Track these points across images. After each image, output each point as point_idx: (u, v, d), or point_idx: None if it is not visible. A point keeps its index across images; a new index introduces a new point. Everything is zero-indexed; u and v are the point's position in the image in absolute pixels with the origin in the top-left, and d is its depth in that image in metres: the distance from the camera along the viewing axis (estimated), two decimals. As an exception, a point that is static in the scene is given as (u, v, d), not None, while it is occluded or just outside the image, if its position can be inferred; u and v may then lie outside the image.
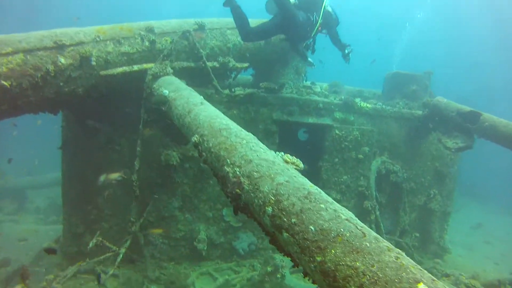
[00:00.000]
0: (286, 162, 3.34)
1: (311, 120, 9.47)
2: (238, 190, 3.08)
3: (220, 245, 9.33)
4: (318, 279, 2.10)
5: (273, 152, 3.55)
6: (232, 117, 9.26)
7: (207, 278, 9.09)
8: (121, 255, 8.12)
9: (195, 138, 4.24)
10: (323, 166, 9.62)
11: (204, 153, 4.08)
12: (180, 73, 8.56)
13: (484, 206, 22.99)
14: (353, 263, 1.94)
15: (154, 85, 7.45)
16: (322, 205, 2.40)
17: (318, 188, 2.67)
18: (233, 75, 10.08)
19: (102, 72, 7.92)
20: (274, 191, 2.63)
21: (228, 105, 9.11)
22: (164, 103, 6.29)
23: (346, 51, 9.77)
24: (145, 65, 8.24)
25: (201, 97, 6.01)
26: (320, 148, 9.91)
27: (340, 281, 1.92)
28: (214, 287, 8.65)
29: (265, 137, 9.25)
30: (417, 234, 10.86)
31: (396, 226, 10.55)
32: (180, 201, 8.91)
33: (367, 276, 1.82)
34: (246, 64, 9.62)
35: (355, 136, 9.65)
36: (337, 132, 9.57)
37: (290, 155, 3.48)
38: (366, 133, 9.74)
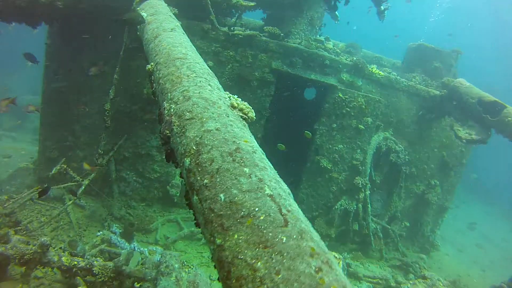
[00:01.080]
0: (233, 107, 2.61)
1: (313, 76, 8.55)
2: (167, 131, 2.52)
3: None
4: (216, 267, 1.55)
5: (222, 92, 2.85)
6: (227, 58, 8.43)
7: (173, 226, 8.60)
8: (83, 187, 7.57)
9: (149, 66, 3.76)
10: (318, 129, 8.78)
11: (154, 84, 3.52)
12: (174, 1, 7.63)
13: (487, 206, 22.14)
14: (253, 261, 1.35)
15: (139, 7, 6.56)
16: (246, 169, 1.79)
17: (255, 145, 2.08)
18: (237, 15, 9.05)
19: None
20: (198, 139, 2.09)
21: (225, 44, 8.22)
22: (136, 22, 5.44)
23: (382, 7, 8.69)
24: (134, -19, 7.27)
25: (177, 23, 5.15)
26: (318, 110, 9.04)
27: (233, 280, 1.36)
28: (177, 237, 8.10)
29: (259, 86, 8.39)
30: (407, 224, 10.14)
31: (386, 211, 9.81)
32: (159, 140, 8.22)
33: (265, 287, 1.23)
34: (252, 3, 8.59)
35: (360, 104, 8.74)
36: (340, 95, 8.66)
37: (243, 101, 2.74)
38: (372, 102, 8.81)
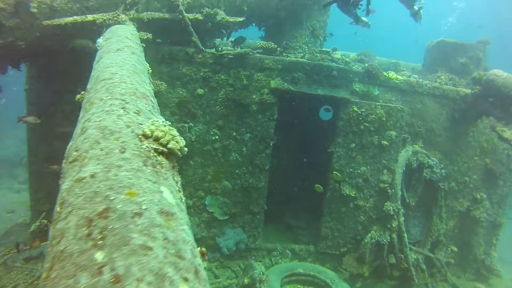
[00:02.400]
0: (144, 136, 1.83)
1: (320, 91, 7.47)
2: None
3: (202, 240, 7.71)
4: None
5: (144, 117, 2.08)
6: (219, 83, 7.47)
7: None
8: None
9: (78, 96, 3.32)
10: (335, 152, 7.62)
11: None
12: (151, 26, 6.84)
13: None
14: None
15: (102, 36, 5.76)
16: (98, 255, 1.02)
17: (146, 200, 1.31)
18: (226, 33, 8.15)
19: (45, 22, 6.44)
20: (64, 194, 1.47)
21: (214, 67, 7.30)
22: (85, 49, 4.61)
23: (416, 7, 7.62)
24: (101, 15, 6.49)
25: (131, 43, 4.25)
26: (332, 129, 7.90)
27: None
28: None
29: (260, 110, 7.36)
30: (455, 248, 8.69)
31: (427, 237, 8.42)
32: None
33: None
34: (240, 19, 7.70)
35: (379, 116, 7.57)
36: (355, 108, 7.52)
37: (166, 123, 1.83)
38: (394, 112, 7.62)
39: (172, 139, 1.75)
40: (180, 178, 1.86)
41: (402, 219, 7.70)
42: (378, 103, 7.69)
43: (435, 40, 10.79)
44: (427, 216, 8.63)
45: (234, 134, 7.44)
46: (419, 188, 8.38)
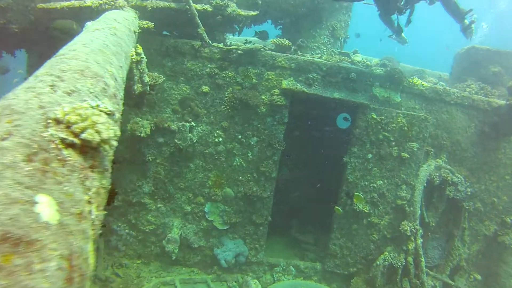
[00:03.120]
0: (56, 121, 1.17)
1: (337, 94, 6.82)
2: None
3: (199, 250, 7.20)
4: None
5: (76, 97, 1.67)
6: (225, 81, 6.90)
7: (167, 290, 6.94)
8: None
9: None
10: (349, 162, 6.95)
11: None
12: (155, 16, 6.38)
13: None
14: None
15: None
16: None
17: None
18: (238, 28, 7.60)
19: (40, 5, 6.00)
20: None
21: (222, 64, 6.76)
22: (67, 31, 4.13)
23: (468, 21, 6.88)
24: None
25: (114, 25, 3.73)
26: (347, 137, 7.25)
27: None
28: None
29: (269, 113, 6.77)
30: (479, 277, 7.87)
31: (447, 261, 7.64)
32: (151, 186, 6.87)
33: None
34: (253, 12, 7.16)
35: (400, 125, 6.88)
36: (374, 115, 6.86)
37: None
38: (417, 122, 6.92)
39: (92, 127, 1.16)
40: (101, 184, 1.27)
41: (420, 241, 6.98)
42: (399, 111, 7.00)
43: (465, 47, 10.02)
44: (448, 238, 7.86)
45: (240, 137, 6.86)
46: (440, 207, 7.63)
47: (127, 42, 3.51)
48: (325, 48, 8.47)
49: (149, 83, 5.75)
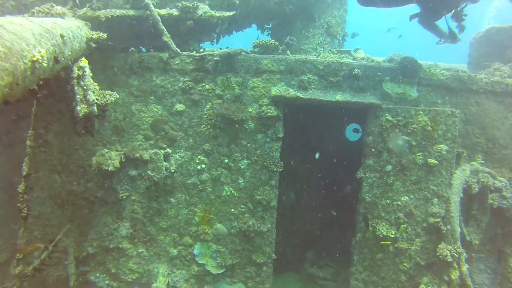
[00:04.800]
0: None
1: (340, 96, 5.59)
2: None
3: (194, 302, 5.87)
4: None
5: None
6: (203, 95, 5.71)
7: None
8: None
9: None
10: (365, 178, 5.66)
11: None
12: (113, 28, 5.38)
13: None
14: None
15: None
16: None
17: None
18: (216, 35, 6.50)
19: None
20: None
21: (197, 75, 5.65)
22: None
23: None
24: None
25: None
26: (359, 148, 6.00)
27: None
28: None
29: (259, 128, 5.58)
30: (542, 302, 6.37)
31: (502, 286, 6.19)
32: (129, 228, 5.77)
33: None
34: (229, 13, 6.08)
35: (423, 125, 5.62)
36: (388, 117, 5.60)
37: None
38: (442, 118, 5.65)
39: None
40: None
41: (465, 267, 5.57)
42: (419, 108, 5.72)
43: (482, 31, 8.73)
44: (498, 258, 6.42)
45: (226, 161, 5.66)
46: (483, 220, 6.23)
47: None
48: (321, 49, 7.31)
49: (96, 102, 4.63)
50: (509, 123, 6.51)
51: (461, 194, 5.82)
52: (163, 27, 5.56)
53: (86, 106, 4.56)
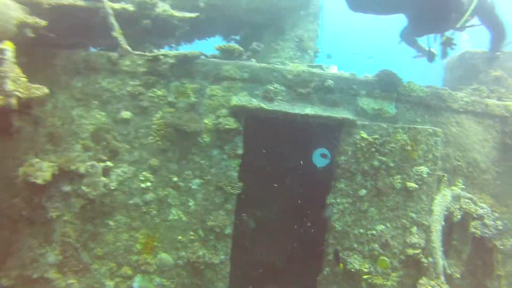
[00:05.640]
0: None
1: (310, 110, 4.31)
2: None
3: None
4: None
5: None
6: (153, 102, 3.91)
7: None
8: None
9: None
10: (335, 204, 4.33)
11: None
12: (59, 20, 4.07)
13: None
14: None
15: None
16: None
17: None
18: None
19: None
20: None
21: (148, 79, 4.29)
22: None
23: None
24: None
25: None
26: (329, 170, 4.71)
27: None
28: None
29: (215, 143, 4.24)
30: None
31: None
32: (58, 254, 4.29)
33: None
34: (192, 14, 4.80)
35: (402, 144, 4.39)
36: (363, 135, 4.35)
37: None
38: (423, 137, 4.44)
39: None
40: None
41: (449, 309, 4.26)
42: (398, 125, 4.48)
43: (457, 54, 7.70)
44: (479, 292, 5.14)
45: (176, 179, 4.28)
46: (464, 250, 4.98)
47: None
48: (291, 64, 6.06)
49: (16, 94, 3.29)
50: (489, 146, 5.36)
51: (443, 222, 4.56)
52: (115, 22, 4.26)
53: (1, 97, 3.24)
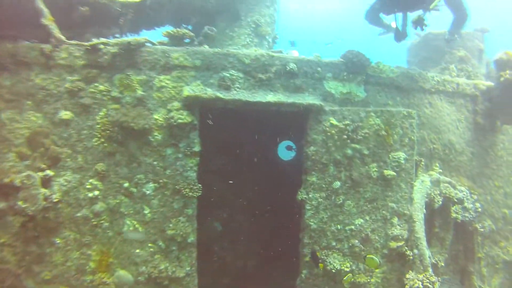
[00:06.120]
0: None
1: (272, 97, 3.59)
2: None
3: None
4: None
5: None
6: (96, 99, 2.73)
7: None
8: None
9: None
10: (307, 201, 3.63)
11: None
12: None
13: None
14: None
15: None
16: None
17: None
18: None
19: None
20: None
21: (88, 73, 3.43)
22: None
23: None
24: None
25: None
26: (298, 162, 4.04)
27: None
28: None
29: (167, 140, 3.44)
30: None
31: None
32: None
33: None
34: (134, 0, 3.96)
35: (375, 129, 3.75)
36: (333, 121, 3.68)
37: None
38: (397, 120, 3.82)
39: None
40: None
41: (439, 303, 3.66)
42: (370, 109, 3.84)
43: (419, 37, 7.21)
44: (461, 279, 4.59)
45: (127, 185, 3.49)
46: (446, 237, 4.41)
47: None
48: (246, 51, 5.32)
49: None
50: (463, 126, 4.83)
51: (424, 210, 3.96)
52: (44, 7, 3.42)
53: None
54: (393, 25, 4.74)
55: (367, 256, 3.50)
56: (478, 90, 4.94)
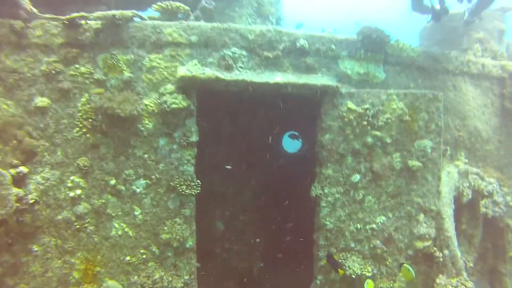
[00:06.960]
0: None
1: (281, 78, 3.10)
2: None
3: None
4: None
5: None
6: (77, 83, 2.60)
7: None
8: None
9: None
10: (322, 196, 3.17)
11: None
12: None
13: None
14: None
15: None
16: None
17: None
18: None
19: None
20: None
21: (67, 53, 2.94)
22: None
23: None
24: None
25: None
26: (310, 152, 3.58)
27: None
28: None
29: (159, 130, 2.97)
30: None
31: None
32: None
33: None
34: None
35: (398, 114, 3.28)
36: (350, 106, 3.20)
37: None
38: (422, 104, 3.37)
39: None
40: None
41: (474, 313, 3.23)
42: (392, 91, 3.38)
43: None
44: (491, 280, 4.17)
45: (113, 182, 3.04)
46: (475, 234, 3.97)
47: None
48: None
49: None
50: (489, 111, 4.38)
51: (453, 205, 3.52)
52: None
53: None
54: (438, 6, 4.44)
55: (403, 264, 3.04)
56: (506, 72, 4.49)
